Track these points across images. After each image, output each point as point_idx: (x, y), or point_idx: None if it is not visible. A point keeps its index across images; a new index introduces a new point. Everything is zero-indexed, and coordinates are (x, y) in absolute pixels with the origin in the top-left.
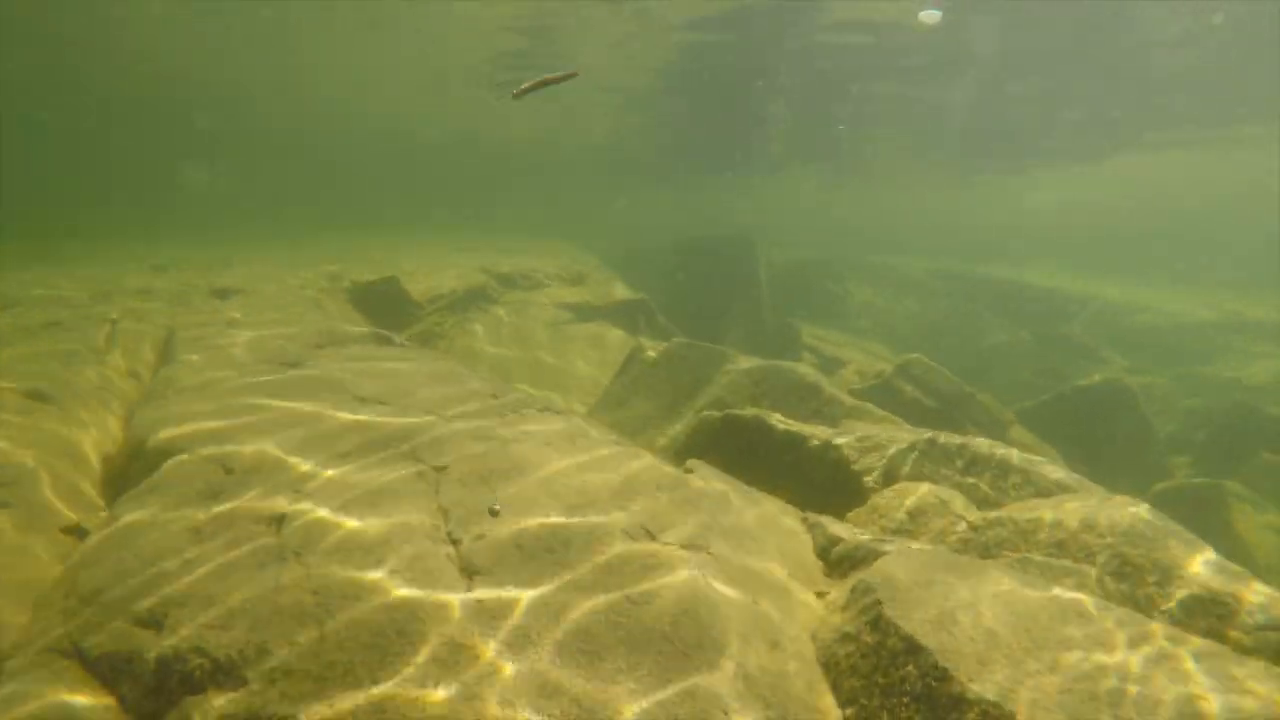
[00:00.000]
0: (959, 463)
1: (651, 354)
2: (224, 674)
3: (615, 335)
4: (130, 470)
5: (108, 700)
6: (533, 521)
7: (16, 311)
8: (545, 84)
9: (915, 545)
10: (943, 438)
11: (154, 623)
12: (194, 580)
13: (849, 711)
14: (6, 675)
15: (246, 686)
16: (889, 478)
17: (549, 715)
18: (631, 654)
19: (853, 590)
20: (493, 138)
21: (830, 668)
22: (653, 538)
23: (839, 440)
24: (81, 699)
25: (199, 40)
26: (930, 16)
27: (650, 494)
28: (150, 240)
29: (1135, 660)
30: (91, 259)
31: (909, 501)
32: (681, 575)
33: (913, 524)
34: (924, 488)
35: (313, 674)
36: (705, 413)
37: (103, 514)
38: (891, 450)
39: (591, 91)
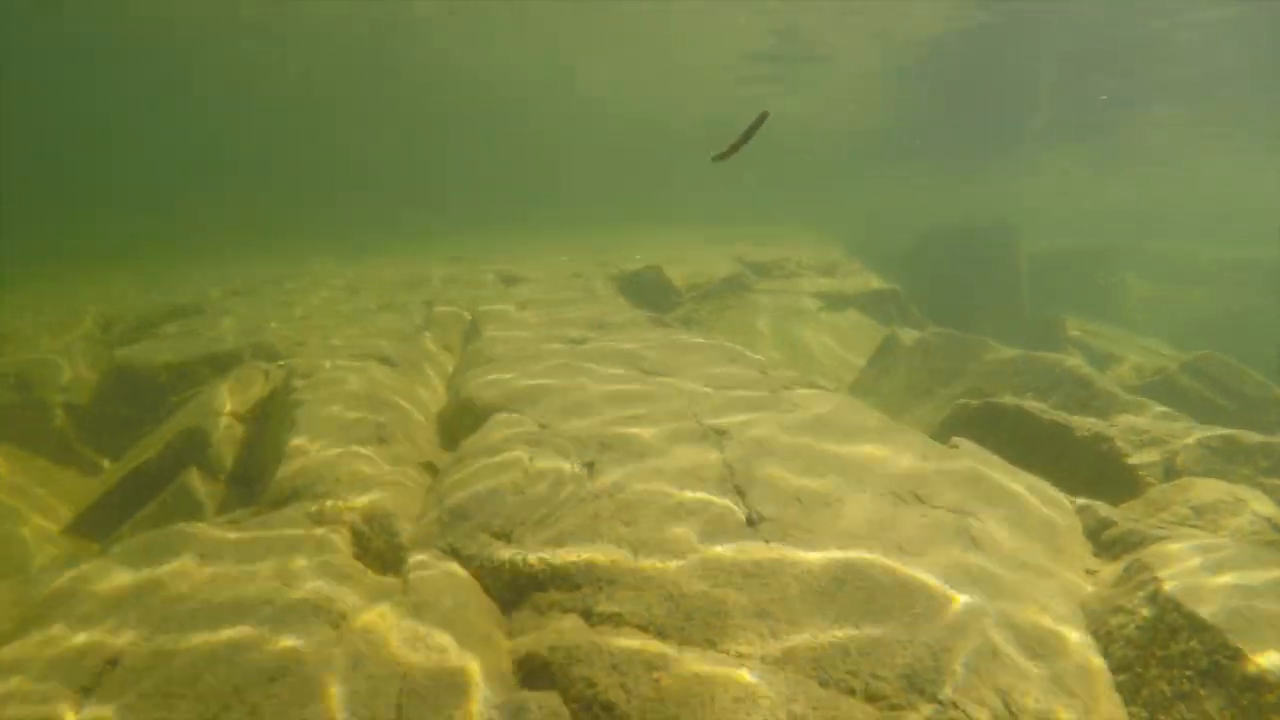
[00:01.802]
0: (1262, 463)
1: (907, 341)
2: (560, 579)
3: (866, 324)
4: (460, 423)
5: (476, 585)
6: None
7: (362, 296)
8: (745, 139)
9: (1203, 535)
10: (1242, 435)
11: (504, 536)
12: (529, 508)
13: (1121, 677)
14: (412, 565)
15: (579, 590)
16: (1169, 473)
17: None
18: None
19: (1127, 569)
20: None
21: (1101, 636)
22: (921, 501)
23: (1110, 431)
24: (461, 583)
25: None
26: None
27: (917, 461)
28: (447, 233)
29: None
30: (406, 251)
31: (1194, 495)
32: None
33: (1199, 519)
34: (1213, 483)
35: (622, 582)
36: (961, 400)
37: (445, 455)
38: (1174, 444)
39: (846, 78)
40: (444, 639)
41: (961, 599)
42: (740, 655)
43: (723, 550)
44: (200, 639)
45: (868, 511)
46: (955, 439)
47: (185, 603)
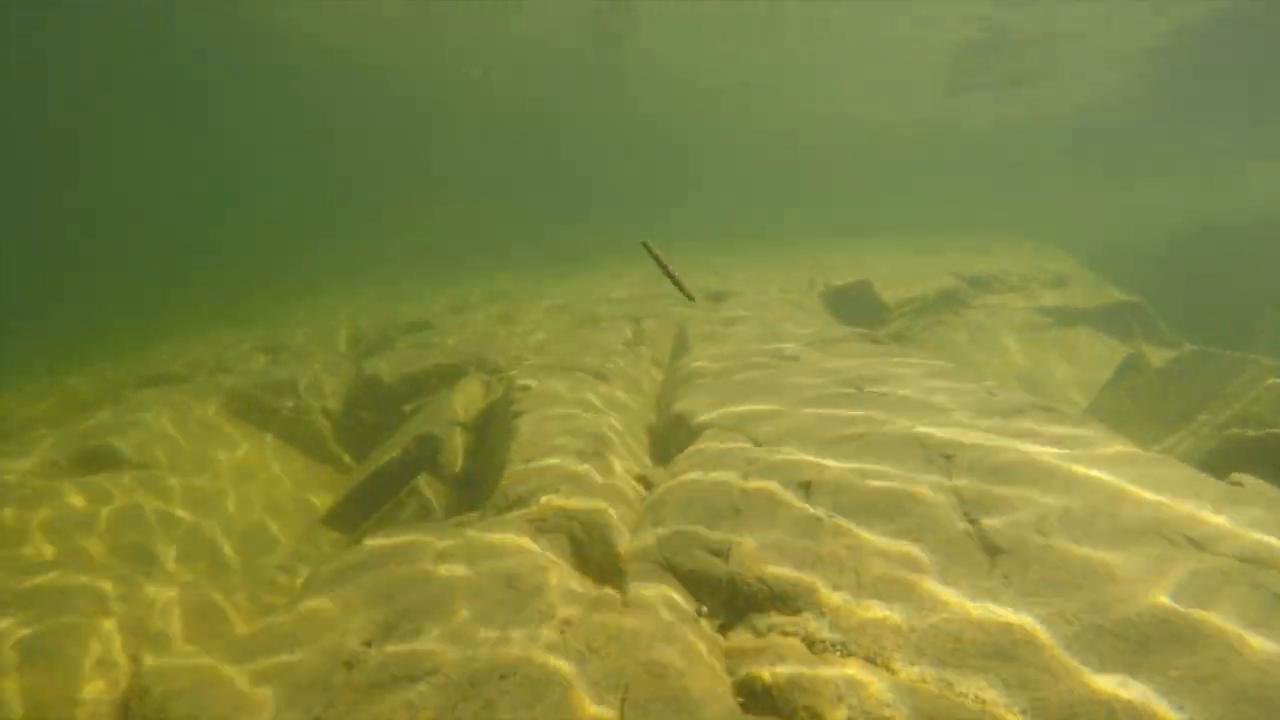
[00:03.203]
0: None
1: (1155, 360)
2: (780, 601)
3: (1101, 341)
4: (672, 438)
5: (692, 602)
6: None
7: (571, 313)
8: (668, 273)
9: None
10: None
11: (720, 553)
12: (744, 526)
13: None
14: (630, 575)
15: (800, 615)
16: None
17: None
18: None
19: None
20: (951, 130)
21: None
22: (1202, 548)
23: None
24: (678, 597)
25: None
26: None
27: (1189, 498)
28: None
29: None
30: (608, 267)
31: None
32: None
33: None
34: None
35: (845, 611)
36: (1232, 430)
37: (657, 469)
38: None
39: (1085, 64)
40: (666, 653)
41: None
42: (981, 701)
43: (955, 595)
44: (437, 631)
45: (1140, 560)
46: (1236, 476)
47: (422, 598)
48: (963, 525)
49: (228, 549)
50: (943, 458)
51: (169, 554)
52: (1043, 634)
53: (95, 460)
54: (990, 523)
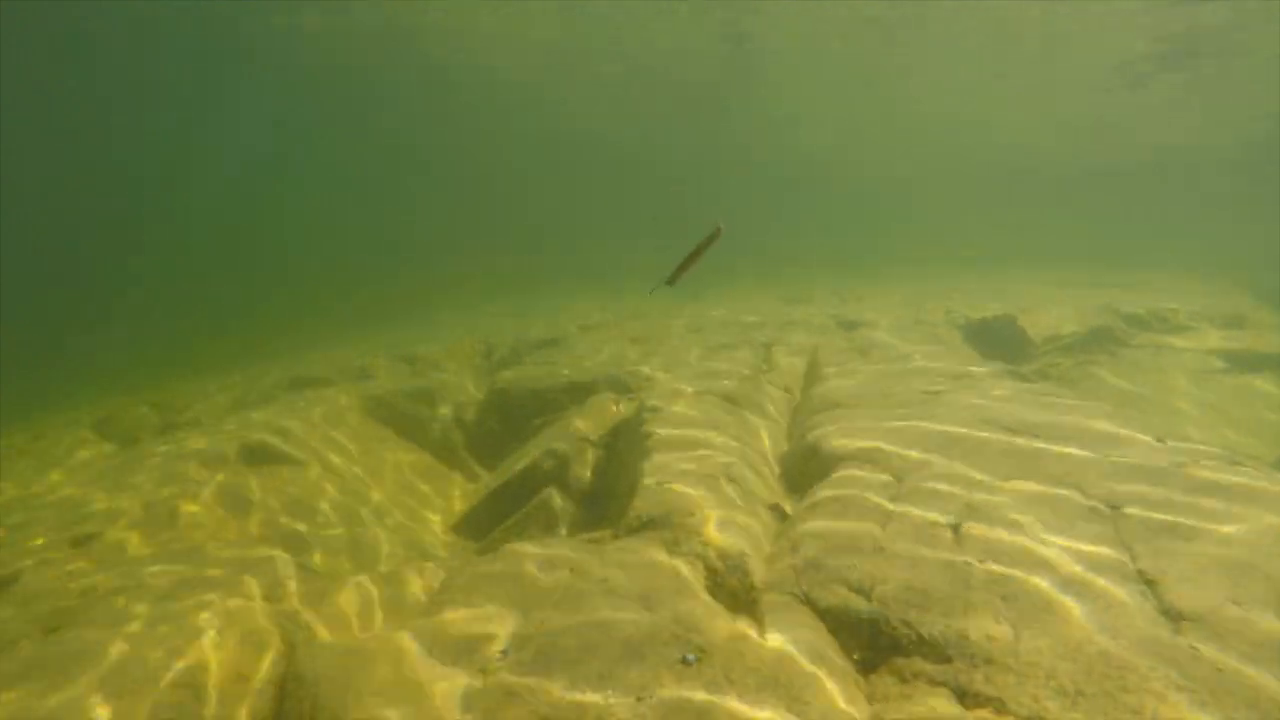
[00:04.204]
0: None
1: None
2: (928, 647)
3: None
4: (805, 469)
5: (831, 640)
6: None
7: (702, 335)
8: (695, 257)
9: None
10: None
11: (862, 591)
12: (888, 564)
13: None
14: (767, 607)
15: (950, 664)
16: None
17: None
18: None
19: None
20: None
21: None
22: None
23: None
24: (816, 632)
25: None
26: None
27: None
28: (770, 274)
29: None
30: (745, 293)
31: None
32: None
33: None
34: None
35: (1000, 664)
36: None
37: (789, 499)
38: None
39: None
40: (807, 689)
41: None
42: None
43: (1130, 652)
44: (574, 643)
45: None
46: None
47: (559, 609)
48: (1134, 590)
49: (380, 546)
50: (1108, 508)
51: (318, 546)
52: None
53: (255, 455)
54: (1170, 584)
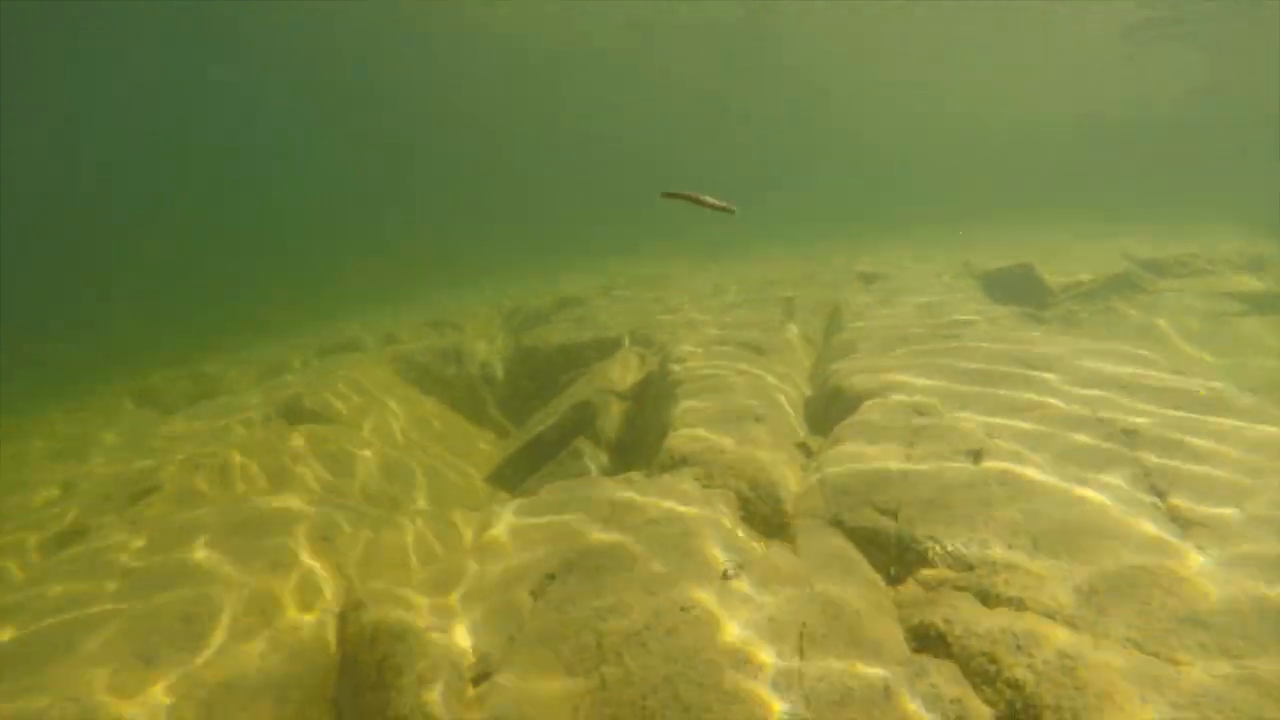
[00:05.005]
0: None
1: None
2: (952, 558)
3: None
4: (830, 410)
5: (860, 556)
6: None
7: (726, 294)
8: (693, 199)
9: None
10: None
11: (889, 511)
12: (912, 486)
13: None
14: (799, 530)
15: (973, 571)
16: None
17: None
18: None
19: None
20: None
21: None
22: None
23: None
24: (848, 547)
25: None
26: None
27: None
28: (794, 234)
29: None
30: (764, 252)
31: None
32: None
33: None
34: None
35: (1022, 569)
36: None
37: (813, 438)
38: None
39: None
40: (839, 594)
41: None
42: (1177, 663)
43: (1147, 559)
44: (614, 567)
45: None
46: None
47: (599, 539)
48: (1149, 499)
49: (419, 497)
50: (1123, 434)
51: (363, 496)
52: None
53: (293, 413)
54: (1183, 496)
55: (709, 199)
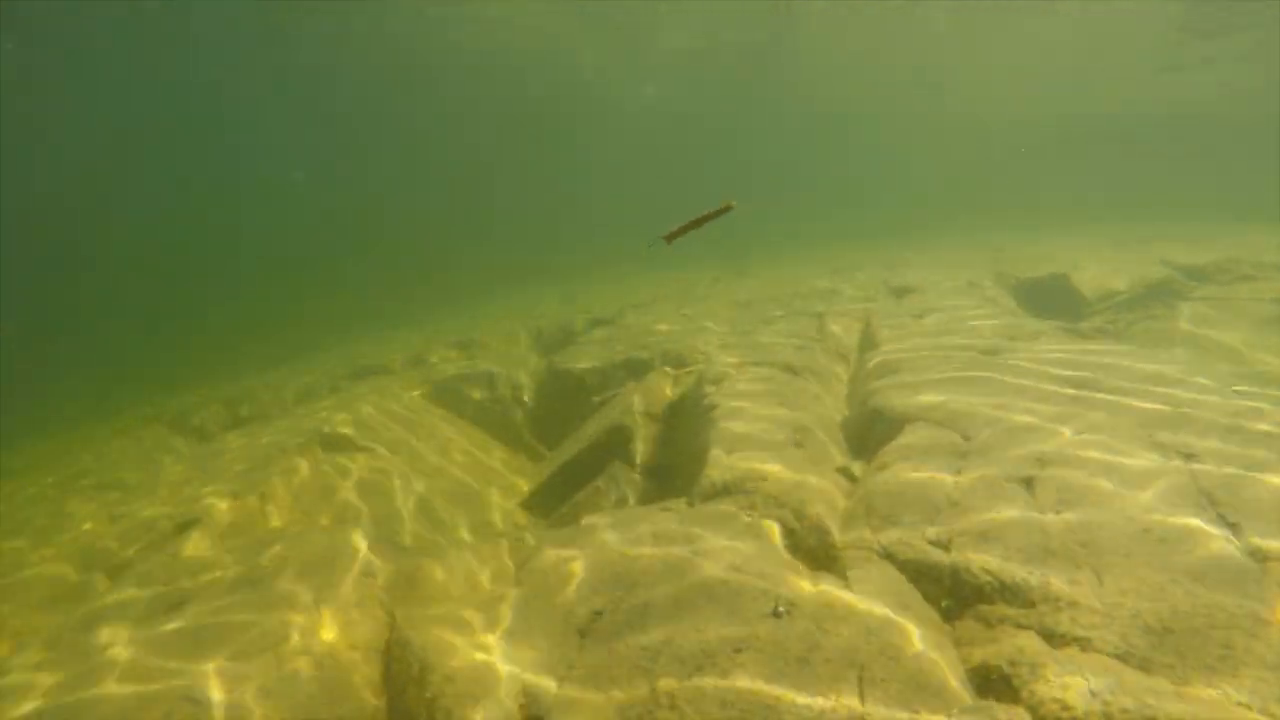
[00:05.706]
0: None
1: None
2: (1011, 593)
3: None
4: (870, 432)
5: (914, 590)
6: None
7: (755, 309)
8: (700, 221)
9: None
10: None
11: (941, 544)
12: (964, 517)
13: None
14: (848, 563)
15: (1034, 608)
16: None
17: None
18: None
19: None
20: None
21: None
22: None
23: None
24: (901, 582)
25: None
26: None
27: None
28: (819, 246)
29: None
30: (792, 265)
31: None
32: None
33: None
34: None
35: (1085, 606)
36: None
37: (855, 462)
38: None
39: None
40: (897, 635)
41: None
42: (1241, 705)
43: (1216, 591)
44: (663, 603)
45: None
46: None
47: (645, 573)
48: (1221, 533)
49: (457, 526)
50: (1181, 456)
51: (399, 526)
52: None
53: (326, 441)
54: (1250, 529)
55: (706, 213)
